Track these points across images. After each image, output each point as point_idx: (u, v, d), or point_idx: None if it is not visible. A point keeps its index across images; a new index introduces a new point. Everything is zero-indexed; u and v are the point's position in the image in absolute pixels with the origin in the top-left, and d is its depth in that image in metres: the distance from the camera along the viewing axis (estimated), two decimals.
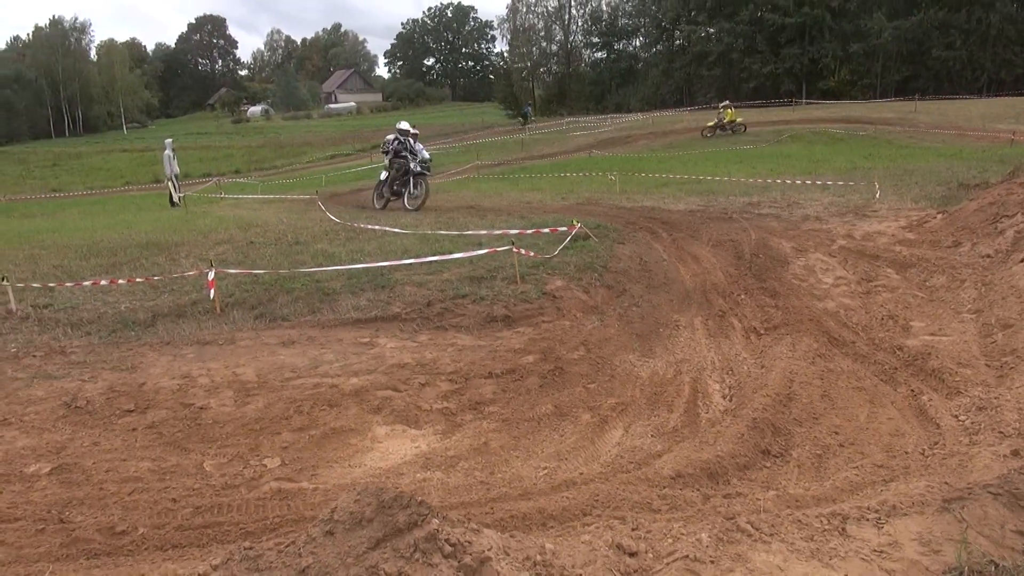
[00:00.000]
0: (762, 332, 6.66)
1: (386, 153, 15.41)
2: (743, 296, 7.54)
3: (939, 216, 9.56)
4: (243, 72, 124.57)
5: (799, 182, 14.13)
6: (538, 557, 2.29)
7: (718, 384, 5.56)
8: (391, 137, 15.40)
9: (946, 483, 2.94)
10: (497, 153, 33.79)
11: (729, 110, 33.29)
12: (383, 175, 15.75)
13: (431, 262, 8.18)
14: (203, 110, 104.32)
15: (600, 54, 75.18)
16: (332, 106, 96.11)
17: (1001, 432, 4.17)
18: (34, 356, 6.48)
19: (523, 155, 32.65)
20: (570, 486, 3.89)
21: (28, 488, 4.27)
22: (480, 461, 4.49)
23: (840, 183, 13.40)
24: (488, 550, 2.24)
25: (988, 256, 7.59)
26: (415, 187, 14.91)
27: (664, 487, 3.71)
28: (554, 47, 76.59)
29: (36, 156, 56.39)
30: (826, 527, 2.55)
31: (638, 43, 74.37)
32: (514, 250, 7.65)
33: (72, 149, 60.95)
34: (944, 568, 2.30)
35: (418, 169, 14.75)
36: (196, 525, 3.72)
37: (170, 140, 21.66)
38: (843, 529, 2.54)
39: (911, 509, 2.66)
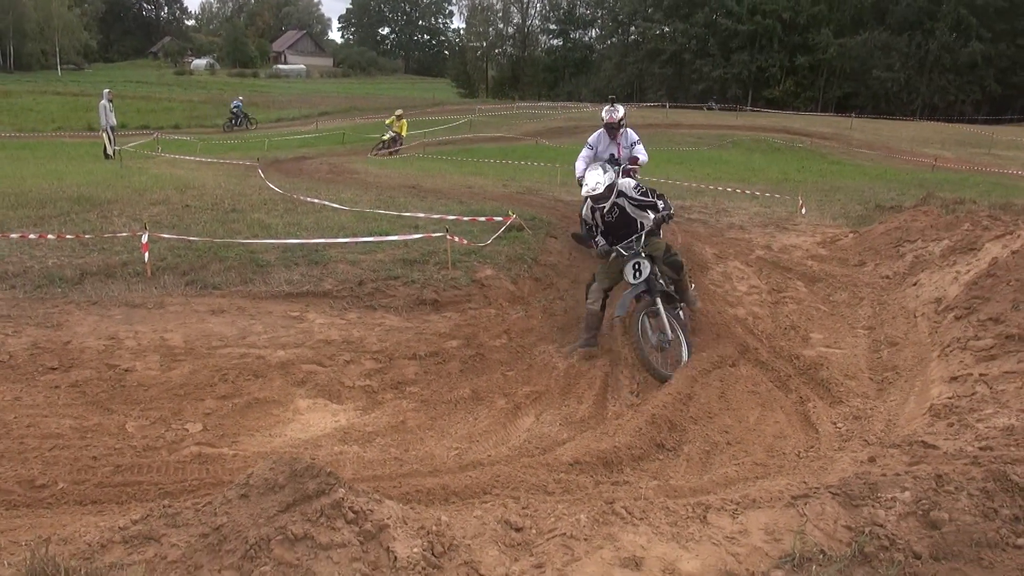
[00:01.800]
0: None
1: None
2: None
3: (851, 235, 10.19)
4: (190, 22, 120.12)
5: (731, 190, 14.72)
6: (433, 527, 2.58)
7: (628, 380, 5.94)
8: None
9: (804, 482, 3.34)
10: (445, 132, 33.79)
11: (404, 120, 25.12)
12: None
13: (367, 242, 8.35)
14: (145, 58, 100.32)
15: (556, 41, 75.56)
16: (281, 67, 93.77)
17: (866, 440, 4.66)
18: None
19: (470, 136, 32.73)
20: (476, 467, 4.19)
21: None
22: (396, 438, 4.76)
23: (768, 194, 14.03)
24: (387, 519, 2.51)
25: (887, 277, 8.19)
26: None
27: (561, 472, 4.04)
28: (511, 29, 76.61)
29: None
30: (690, 515, 2.91)
31: (594, 34, 75.03)
32: (448, 236, 7.88)
33: (2, 87, 58.00)
34: (781, 554, 2.68)
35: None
36: (116, 483, 3.89)
37: (108, 90, 21.00)
38: (704, 517, 2.90)
39: (765, 503, 3.04)
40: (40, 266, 7.37)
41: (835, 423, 5.23)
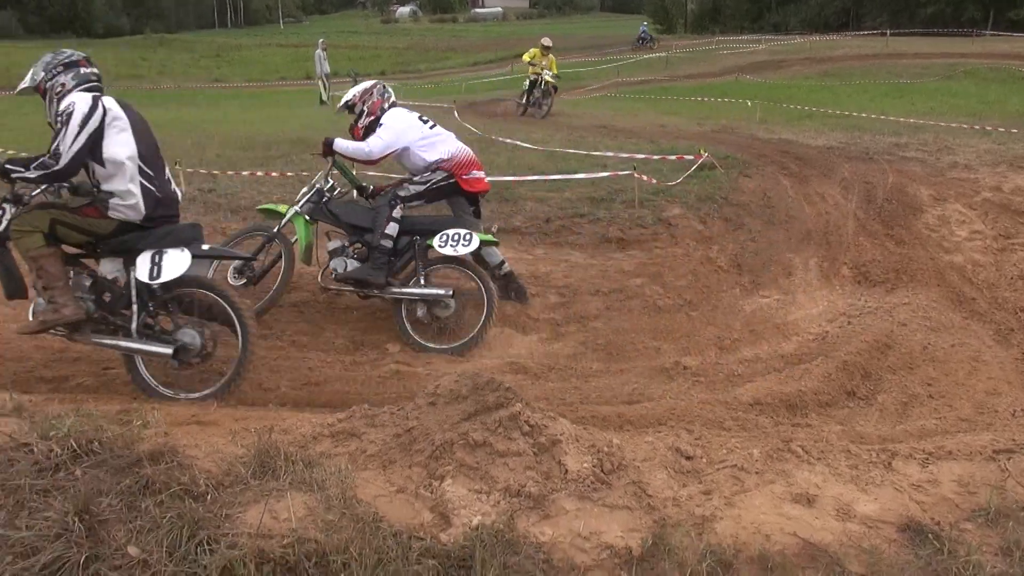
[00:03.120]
0: (879, 279, 6.61)
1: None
2: (866, 241, 7.42)
3: None
4: None
5: (958, 125, 13.18)
6: (604, 448, 2.69)
7: (816, 326, 5.66)
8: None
9: (1013, 439, 3.07)
10: (640, 70, 32.95)
11: (549, 55, 17.68)
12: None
13: (555, 180, 8.48)
14: (355, 8, 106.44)
15: None
16: (478, 11, 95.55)
17: None
18: None
19: (667, 75, 31.68)
20: (651, 399, 4.25)
21: None
22: (576, 369, 4.92)
23: (1004, 130, 12.42)
24: (560, 435, 2.65)
25: None
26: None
27: (740, 411, 4.00)
28: None
29: (202, 45, 59.75)
30: (873, 460, 2.78)
31: None
32: (635, 175, 7.81)
33: (233, 40, 64.15)
34: (974, 507, 2.51)
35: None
36: (327, 391, 4.39)
37: (322, 40, 22.64)
38: (889, 464, 2.76)
39: (962, 456, 2.83)
40: (267, 200, 8.25)
41: None
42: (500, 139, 11.84)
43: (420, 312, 5.32)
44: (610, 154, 9.88)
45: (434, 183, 5.54)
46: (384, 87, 5.92)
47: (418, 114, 5.83)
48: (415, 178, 5.57)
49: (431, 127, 5.68)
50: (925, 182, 9.23)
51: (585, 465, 2.55)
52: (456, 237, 5.19)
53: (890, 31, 43.51)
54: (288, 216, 5.49)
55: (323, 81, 22.32)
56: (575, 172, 8.70)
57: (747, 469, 2.68)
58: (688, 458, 2.78)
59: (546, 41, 18.00)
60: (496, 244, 5.66)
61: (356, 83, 6.43)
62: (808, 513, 2.44)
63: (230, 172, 9.11)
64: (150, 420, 2.95)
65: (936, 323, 5.61)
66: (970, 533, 2.38)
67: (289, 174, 9.00)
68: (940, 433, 3.82)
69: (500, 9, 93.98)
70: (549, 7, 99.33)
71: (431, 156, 5.51)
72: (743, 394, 4.31)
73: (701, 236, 7.42)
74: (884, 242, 7.34)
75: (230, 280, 5.40)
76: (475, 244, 5.20)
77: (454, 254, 5.19)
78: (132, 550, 2.16)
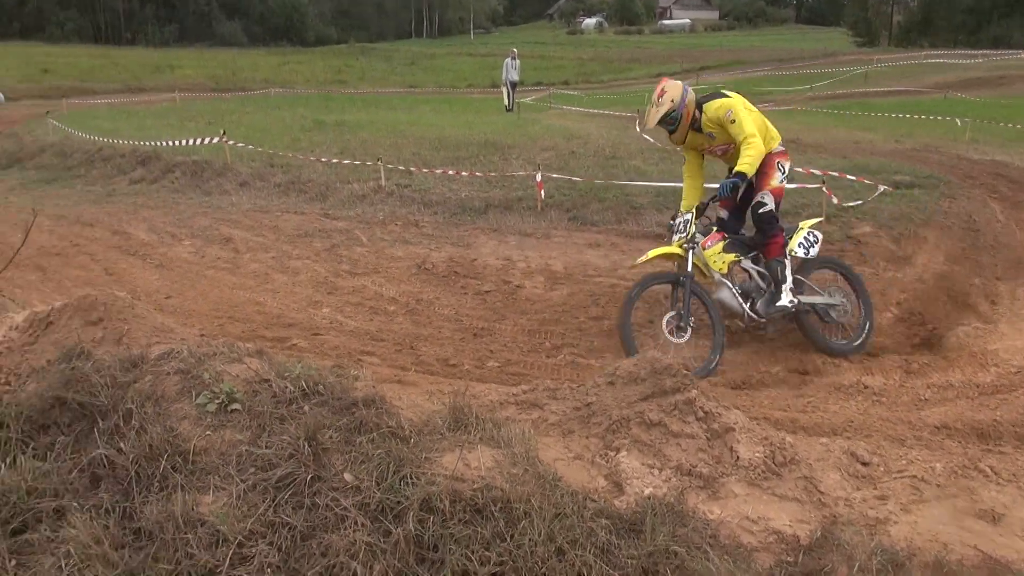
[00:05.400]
0: None
1: None
2: None
3: None
4: None
5: None
6: (776, 442, 2.74)
7: (1020, 359, 5.24)
8: None
9: None
10: (835, 85, 31.32)
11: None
12: None
13: None
14: (542, 20, 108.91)
15: None
16: (665, 22, 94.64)
17: None
18: (396, 224, 8.06)
19: (864, 89, 29.89)
20: (828, 412, 4.17)
21: (390, 321, 5.60)
22: (749, 375, 4.90)
23: None
24: (734, 424, 2.74)
25: None
26: None
27: (923, 432, 3.83)
28: None
29: (399, 54, 63.79)
30: None
31: None
32: (823, 190, 7.56)
33: (427, 50, 67.93)
34: None
35: None
36: (506, 372, 4.70)
37: (515, 50, 23.53)
38: None
39: None
40: (455, 197, 8.82)
41: None
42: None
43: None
44: (799, 169, 9.58)
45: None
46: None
47: None
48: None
49: None
50: None
51: (757, 454, 2.63)
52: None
53: None
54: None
55: (507, 88, 23.14)
56: None
57: (928, 481, 2.63)
58: (864, 464, 2.77)
59: None
60: None
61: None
62: (993, 530, 2.38)
63: (424, 169, 9.79)
64: (359, 375, 3.35)
65: None
66: None
67: (477, 174, 9.54)
68: None
69: (688, 21, 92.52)
70: (739, 18, 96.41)
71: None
72: (929, 416, 4.12)
73: (893, 256, 7.06)
74: None
75: None
76: None
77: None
78: (347, 476, 2.51)
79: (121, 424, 2.68)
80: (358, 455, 2.56)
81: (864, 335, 5.32)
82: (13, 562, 2.33)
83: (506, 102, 22.72)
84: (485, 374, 4.64)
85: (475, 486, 2.44)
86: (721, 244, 5.16)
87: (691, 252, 5.04)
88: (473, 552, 2.21)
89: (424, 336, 5.27)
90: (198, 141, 12.35)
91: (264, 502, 2.36)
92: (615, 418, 2.77)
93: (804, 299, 5.19)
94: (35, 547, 2.38)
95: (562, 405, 2.98)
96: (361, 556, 2.21)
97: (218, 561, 2.20)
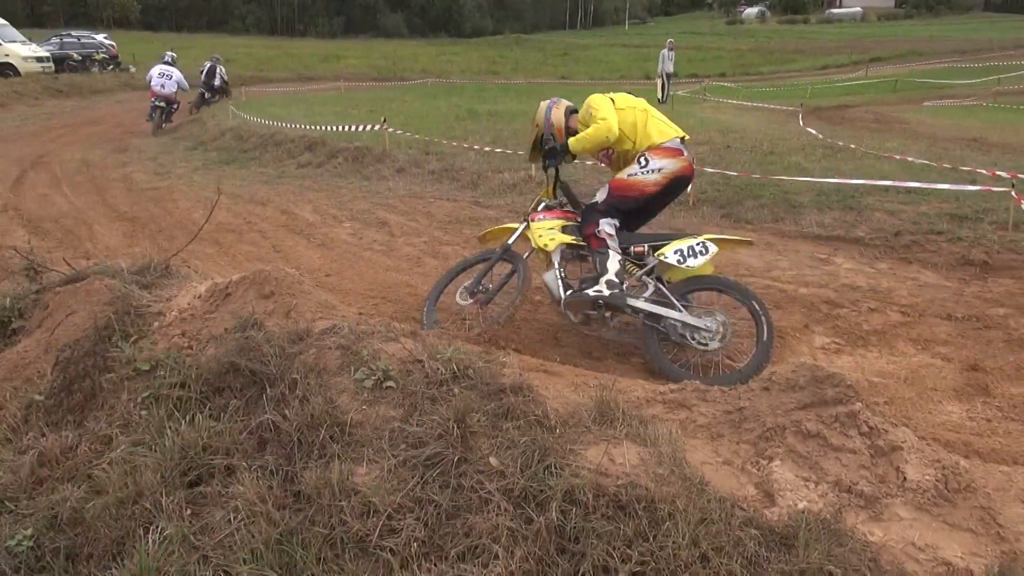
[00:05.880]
0: None
1: None
2: None
3: None
4: None
5: None
6: (950, 465, 2.52)
7: None
8: None
9: None
10: None
11: None
12: None
13: (909, 192, 7.78)
14: (701, 9, 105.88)
15: None
16: (834, 11, 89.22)
17: None
18: None
19: None
20: (1004, 435, 3.79)
21: (534, 310, 5.66)
22: (916, 391, 4.54)
23: None
24: (902, 442, 2.54)
25: None
26: None
27: None
28: None
29: (552, 45, 64.08)
30: None
31: None
32: (1013, 194, 6.87)
33: (580, 41, 67.85)
34: None
35: None
36: (649, 369, 4.63)
37: (671, 40, 23.12)
38: None
39: None
40: None
41: None
42: (849, 145, 11.11)
43: None
44: (982, 170, 8.76)
45: None
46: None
47: None
48: None
49: None
50: None
51: (927, 477, 2.42)
52: None
53: None
54: None
55: (663, 79, 22.73)
56: (935, 183, 7.90)
57: None
58: None
59: None
60: None
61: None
62: None
63: (576, 161, 9.76)
64: (506, 361, 3.40)
65: None
66: None
67: None
68: None
69: (859, 9, 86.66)
70: (918, 6, 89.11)
71: None
72: None
73: None
74: None
75: None
76: None
77: None
78: (493, 460, 2.56)
79: (287, 392, 2.87)
80: (504, 441, 2.60)
81: (740, 374, 4.36)
82: (189, 511, 2.56)
83: (659, 94, 22.33)
84: (628, 370, 4.58)
85: (619, 482, 2.41)
86: (556, 223, 5.06)
87: (525, 225, 5.16)
88: (615, 548, 2.19)
89: (567, 327, 5.28)
90: (360, 128, 13.01)
91: (413, 478, 2.45)
92: (769, 425, 2.64)
93: (636, 303, 4.66)
94: (207, 499, 2.60)
95: (712, 407, 2.89)
96: (503, 540, 2.24)
97: (368, 530, 2.30)
